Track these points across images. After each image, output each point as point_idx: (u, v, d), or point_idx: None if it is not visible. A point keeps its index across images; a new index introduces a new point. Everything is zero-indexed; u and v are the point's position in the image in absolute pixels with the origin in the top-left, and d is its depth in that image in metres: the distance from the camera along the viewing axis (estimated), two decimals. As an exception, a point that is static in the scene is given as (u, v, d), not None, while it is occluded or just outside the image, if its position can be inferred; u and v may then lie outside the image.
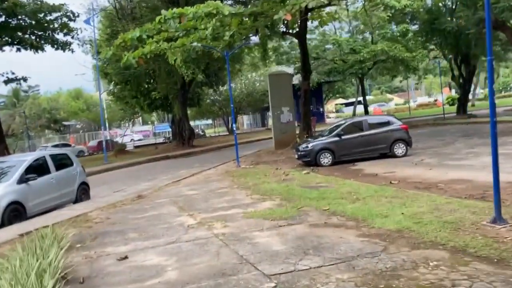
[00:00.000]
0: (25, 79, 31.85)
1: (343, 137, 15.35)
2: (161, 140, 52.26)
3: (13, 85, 64.75)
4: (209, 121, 73.23)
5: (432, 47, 34.92)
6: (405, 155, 15.44)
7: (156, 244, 6.50)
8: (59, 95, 78.82)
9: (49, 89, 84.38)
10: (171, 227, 7.57)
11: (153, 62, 29.74)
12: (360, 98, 72.11)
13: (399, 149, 15.46)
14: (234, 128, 16.27)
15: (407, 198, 8.03)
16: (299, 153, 15.72)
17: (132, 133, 60.81)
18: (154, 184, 14.05)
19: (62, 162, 11.62)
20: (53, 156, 11.27)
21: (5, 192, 9.35)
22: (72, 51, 32.64)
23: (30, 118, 65.80)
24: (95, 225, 8.30)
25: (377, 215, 6.95)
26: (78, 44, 33.07)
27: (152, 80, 36.80)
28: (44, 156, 11.02)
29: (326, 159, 15.26)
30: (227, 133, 52.25)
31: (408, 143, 15.60)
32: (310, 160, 15.32)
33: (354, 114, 49.07)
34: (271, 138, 34.08)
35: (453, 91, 77.24)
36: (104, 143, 28.56)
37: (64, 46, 31.50)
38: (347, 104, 74.57)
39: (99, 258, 6.06)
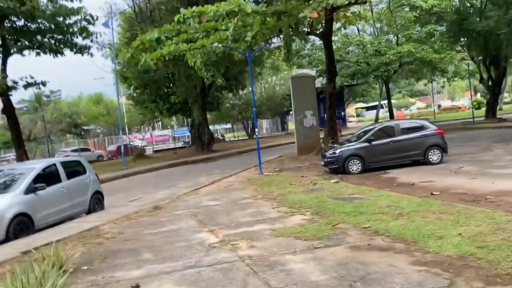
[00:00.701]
0: (44, 83, 31.50)
1: (373, 142, 14.30)
2: (180, 144, 51.75)
3: (35, 90, 65.31)
4: (228, 125, 72.61)
5: (459, 48, 33.54)
6: (440, 162, 14.31)
7: (173, 269, 5.62)
8: (80, 99, 79.29)
9: (70, 94, 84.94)
10: (190, 246, 6.69)
11: (172, 66, 29.12)
12: (383, 102, 70.62)
13: (434, 155, 14.33)
14: (257, 133, 15.39)
15: (459, 214, 6.99)
16: (325, 159, 14.73)
17: (138, 137, 60.39)
18: (172, 192, 13.23)
19: (74, 169, 10.89)
20: (64, 164, 10.54)
21: (11, 203, 8.62)
22: (91, 55, 32.22)
23: (51, 122, 66.23)
24: (106, 242, 7.48)
25: (429, 236, 5.95)
26: (97, 48, 32.71)
27: (171, 84, 36.28)
28: (54, 164, 10.29)
29: (355, 166, 14.23)
30: (247, 138, 51.44)
31: (444, 149, 14.46)
32: (338, 167, 14.31)
33: (377, 119, 47.69)
34: (292, 143, 33.23)
35: (479, 94, 75.00)
36: (122, 147, 27.96)
37: (83, 49, 31.14)
38: (368, 108, 73.05)
39: (106, 286, 5.21)
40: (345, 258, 5.43)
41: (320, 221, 7.36)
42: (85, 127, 66.39)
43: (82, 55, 30.58)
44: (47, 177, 9.75)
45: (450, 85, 36.44)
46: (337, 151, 14.48)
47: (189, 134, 53.68)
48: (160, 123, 74.84)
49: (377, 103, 72.78)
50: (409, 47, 26.61)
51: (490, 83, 33.85)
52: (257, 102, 50.09)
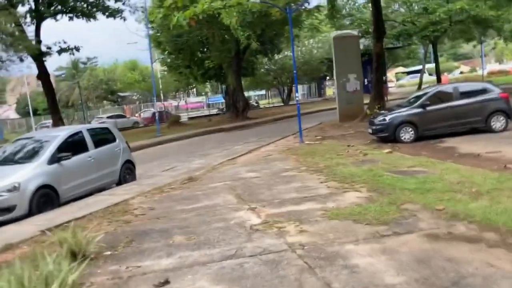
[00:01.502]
0: (77, 49, 31.01)
1: (428, 108, 12.85)
2: (214, 111, 50.98)
3: (72, 57, 65.65)
4: (262, 92, 71.12)
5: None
6: (504, 129, 12.77)
7: (210, 259, 4.67)
8: (116, 66, 79.60)
9: (107, 61, 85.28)
10: (229, 227, 5.73)
11: (206, 28, 27.88)
12: (429, 65, 67.00)
13: (497, 122, 12.78)
14: (298, 98, 14.17)
15: (556, 195, 5.71)
16: (373, 127, 13.42)
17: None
18: (208, 161, 12.33)
19: (102, 137, 10.09)
20: (91, 131, 9.72)
21: (34, 174, 7.90)
22: (124, 19, 31.45)
23: (88, 89, 66.75)
24: (135, 220, 6.63)
25: (528, 224, 4.74)
26: (130, 11, 31.72)
27: (205, 49, 35.13)
28: (81, 131, 9.46)
29: (407, 134, 12.87)
30: (282, 104, 50.04)
31: (509, 115, 12.88)
32: (388, 136, 12.99)
33: (421, 83, 45.17)
34: (331, 109, 31.70)
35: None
36: (157, 114, 27.31)
37: (115, 13, 30.35)
38: (409, 73, 69.79)
39: (129, 281, 4.32)
40: (423, 252, 4.31)
41: (381, 200, 6.22)
42: (120, 94, 66.55)
43: (114, 18, 29.82)
44: (73, 146, 8.97)
45: (506, 45, 33.47)
46: (387, 118, 13.12)
47: (223, 101, 52.80)
48: (195, 90, 74.28)
49: (417, 67, 69.36)
50: (462, 4, 24.26)
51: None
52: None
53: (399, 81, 68.90)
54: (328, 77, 54.22)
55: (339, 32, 21.47)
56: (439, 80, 29.59)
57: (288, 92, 52.53)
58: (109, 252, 5.18)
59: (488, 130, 12.79)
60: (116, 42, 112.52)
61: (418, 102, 13.04)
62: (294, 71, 13.88)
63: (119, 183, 10.14)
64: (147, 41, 30.55)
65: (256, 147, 14.16)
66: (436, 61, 30.85)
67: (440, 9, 25.04)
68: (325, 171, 8.82)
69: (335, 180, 7.85)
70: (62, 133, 9.14)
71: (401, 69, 73.37)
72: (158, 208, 7.22)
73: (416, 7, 27.39)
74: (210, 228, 5.77)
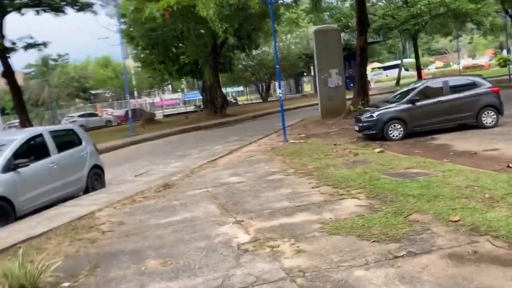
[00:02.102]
0: (45, 44, 29.47)
1: (417, 103, 12.23)
2: (191, 108, 49.82)
3: (41, 53, 63.31)
4: (240, 88, 70.12)
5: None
6: (495, 125, 12.27)
7: (191, 293, 3.82)
8: (88, 63, 77.25)
9: (79, 58, 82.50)
10: (212, 248, 4.87)
11: (181, 21, 26.84)
12: (405, 60, 67.07)
13: (488, 117, 12.28)
14: (281, 94, 13.33)
15: None
16: (360, 124, 12.73)
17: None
18: (185, 164, 11.42)
19: (66, 140, 9.07)
20: (54, 133, 8.65)
21: (-16, 185, 6.87)
22: (95, 13, 30.06)
23: (58, 87, 64.59)
24: (101, 238, 5.71)
25: None
26: (101, 5, 30.30)
27: (180, 44, 34.00)
28: (41, 134, 8.39)
29: (396, 131, 12.23)
30: (261, 101, 49.26)
31: (499, 110, 12.39)
32: (376, 133, 12.33)
33: (399, 79, 45.06)
34: (309, 105, 31.11)
35: (505, 51, 71.06)
36: (130, 112, 26.11)
37: (85, 7, 28.94)
38: (385, 68, 69.96)
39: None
40: (451, 280, 3.56)
41: (385, 210, 5.47)
42: (93, 91, 64.56)
43: (85, 12, 28.43)
44: (32, 151, 7.96)
45: (486, 39, 33.38)
46: (375, 114, 12.45)
47: (200, 97, 51.63)
48: (170, 86, 72.80)
49: (393, 62, 69.52)
50: (442, -3, 23.92)
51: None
52: (271, 63, 47.52)
53: (376, 76, 68.91)
54: (305, 73, 53.72)
55: (320, 26, 20.75)
56: (419, 75, 29.27)
57: (266, 88, 51.80)
58: (67, 284, 4.27)
59: (478, 126, 12.27)
60: (89, 38, 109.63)
61: (407, 98, 12.40)
62: (277, 66, 13.06)
63: (87, 191, 9.14)
64: (119, 36, 29.21)
65: (238, 147, 13.30)
66: (416, 55, 30.57)
67: (420, 2, 24.63)
68: (315, 174, 8.04)
69: (328, 185, 7.08)
70: (19, 136, 8.06)
71: (376, 64, 73.52)
72: (128, 223, 6.30)
73: (396, 0, 26.94)
74: (189, 249, 4.90)
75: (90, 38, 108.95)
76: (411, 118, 12.22)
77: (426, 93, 12.43)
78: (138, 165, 13.35)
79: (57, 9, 28.72)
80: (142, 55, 34.97)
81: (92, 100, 68.14)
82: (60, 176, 8.35)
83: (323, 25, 21.09)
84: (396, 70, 53.57)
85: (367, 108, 13.72)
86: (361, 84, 17.34)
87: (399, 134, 12.22)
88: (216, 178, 8.81)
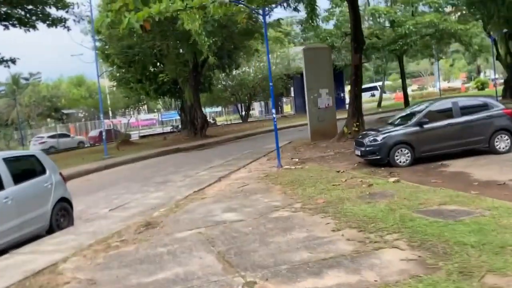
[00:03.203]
0: (13, 61, 27.68)
1: (425, 126, 11.13)
2: (168, 129, 48.07)
3: (11, 71, 60.82)
4: (218, 109, 68.74)
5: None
6: (509, 150, 11.24)
7: None
8: (60, 82, 74.89)
9: (51, 77, 79.89)
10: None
11: (160, 39, 25.53)
12: (378, 83, 67.17)
13: (502, 142, 11.24)
14: (274, 114, 12.02)
15: None
16: (363, 148, 11.51)
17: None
18: (169, 194, 9.94)
19: (26, 169, 7.50)
20: (10, 161, 7.07)
21: None
22: (68, 29, 28.51)
23: (29, 106, 62.13)
24: (63, 308, 4.19)
25: None
26: (74, 20, 28.77)
27: (158, 63, 32.60)
28: (-8, 162, 6.85)
29: (403, 156, 11.05)
30: (240, 121, 48.00)
31: (513, 134, 11.39)
32: (381, 158, 11.12)
33: (380, 101, 44.65)
34: (292, 126, 29.98)
35: (482, 74, 72.19)
36: (104, 133, 24.37)
37: (57, 22, 27.41)
38: (364, 90, 70.00)
39: None
40: None
41: (445, 268, 4.15)
42: (65, 111, 62.15)
43: (56, 27, 26.84)
44: (-20, 183, 6.37)
45: (475, 60, 33.14)
46: (380, 138, 11.26)
47: (178, 117, 50.01)
48: (145, 106, 70.94)
49: (371, 84, 69.57)
50: (431, 17, 23.38)
51: (508, 60, 31.03)
52: (251, 83, 46.57)
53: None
54: (283, 98, 53.15)
55: (309, 44, 19.75)
56: (406, 98, 28.61)
57: (246, 109, 50.69)
58: None
59: (491, 151, 11.22)
60: (63, 57, 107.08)
61: (415, 120, 11.27)
62: (270, 84, 11.77)
63: (51, 230, 7.54)
64: (94, 54, 27.63)
65: (226, 173, 11.88)
66: (402, 77, 29.94)
67: (408, 22, 24.04)
68: (329, 210, 6.70)
69: (352, 227, 5.74)
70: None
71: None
72: (101, 282, 4.79)
73: (381, 20, 26.33)
74: (189, 333, 3.44)
75: (65, 57, 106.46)
76: (419, 142, 11.08)
77: (434, 115, 11.34)
78: (113, 193, 11.76)
79: (27, 24, 27.13)
80: (117, 74, 33.35)
81: (65, 120, 65.63)
82: (17, 213, 6.76)
83: (313, 44, 20.09)
84: (369, 93, 53.40)
85: (369, 131, 12.54)
86: (355, 105, 16.25)
87: (406, 160, 11.05)
88: (208, 214, 7.35)
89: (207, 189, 9.94)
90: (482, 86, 57.82)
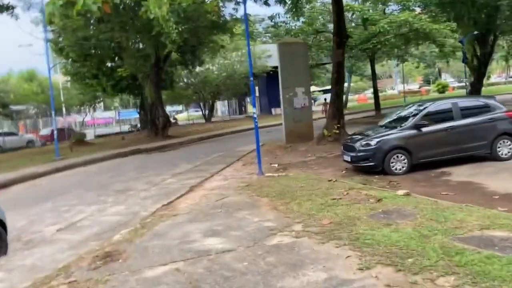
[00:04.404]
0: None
1: (423, 129, 9.99)
2: (126, 128, 45.54)
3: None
4: (179, 107, 66.42)
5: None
6: (511, 157, 10.27)
7: None
8: (10, 77, 70.33)
9: (1, 71, 74.69)
10: None
11: (119, 30, 23.48)
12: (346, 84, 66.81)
13: (504, 148, 10.27)
14: (254, 113, 10.51)
15: None
16: (353, 153, 10.23)
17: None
18: (131, 208, 8.25)
19: None
20: None
21: None
22: (16, 18, 25.85)
23: (-27, 102, 57.81)
24: None
25: None
26: (23, 8, 26.20)
27: (116, 58, 30.36)
28: None
29: (399, 163, 9.85)
30: (203, 121, 46.18)
31: (516, 139, 10.43)
32: (375, 165, 9.88)
33: (346, 102, 44.02)
34: (260, 127, 28.59)
35: (443, 77, 73.46)
36: (56, 132, 22.03)
37: (3, 9, 24.74)
38: (325, 91, 69.74)
39: None
40: None
41: None
42: (13, 107, 58.11)
43: (1, 13, 24.19)
44: None
45: (447, 62, 32.85)
46: (373, 142, 10.02)
47: (137, 116, 47.54)
48: (102, 103, 67.68)
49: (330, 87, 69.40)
50: (406, 15, 22.60)
51: (475, 63, 30.90)
52: (215, 81, 44.78)
53: (315, 100, 68.18)
54: (247, 98, 51.77)
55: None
56: (377, 99, 27.88)
57: (210, 108, 48.94)
58: None
59: (493, 157, 10.21)
60: (14, 50, 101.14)
61: (411, 122, 10.10)
62: (251, 78, 10.24)
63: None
64: (45, 45, 25.14)
65: (198, 182, 10.28)
66: (373, 77, 29.18)
67: (383, 20, 23.16)
68: (342, 235, 5.27)
69: (385, 263, 4.32)
70: None
71: (314, 88, 73.03)
72: None
73: (353, 18, 25.38)
74: None
75: (15, 50, 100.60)
76: (416, 147, 9.92)
77: (433, 117, 10.22)
78: (63, 204, 9.89)
79: (-32, 10, 24.36)
80: (71, 68, 30.83)
81: (14, 117, 61.47)
82: None
83: (289, 38, 18.76)
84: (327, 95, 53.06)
85: (356, 135, 11.26)
86: (336, 105, 15.00)
87: (403, 167, 9.86)
88: (185, 240, 5.76)
89: (178, 202, 8.31)
90: (443, 89, 58.69)
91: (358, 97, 68.50)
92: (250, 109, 52.77)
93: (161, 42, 21.47)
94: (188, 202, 8.19)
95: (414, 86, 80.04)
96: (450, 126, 10.04)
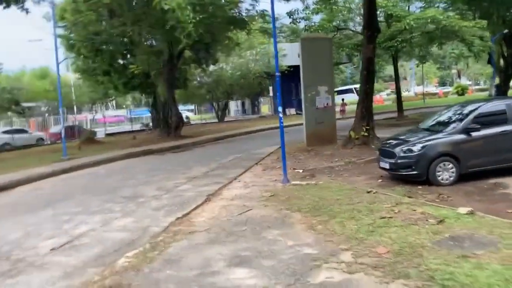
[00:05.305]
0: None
1: (474, 134, 8.72)
2: (138, 127, 44.62)
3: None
4: (191, 107, 65.39)
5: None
6: None
7: None
8: (23, 74, 70.12)
9: (15, 69, 74.46)
10: None
11: (131, 24, 22.45)
12: (355, 86, 65.44)
13: None
14: (280, 114, 9.33)
15: None
16: (392, 160, 8.99)
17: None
18: (140, 222, 7.11)
19: None
20: None
21: None
22: (27, 12, 25.01)
23: (-15, 98, 57.58)
24: None
25: None
26: (34, 1, 25.27)
27: (128, 55, 29.40)
28: None
29: (446, 172, 8.59)
30: (216, 121, 45.08)
31: None
32: (418, 174, 8.63)
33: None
34: (273, 128, 27.41)
35: (463, 79, 71.52)
36: (63, 130, 21.05)
37: (12, 2, 23.91)
38: (339, 92, 68.40)
39: None
40: None
41: None
42: (25, 104, 57.63)
43: (9, 6, 23.33)
44: None
45: (477, 61, 31.29)
46: (416, 148, 8.77)
47: (148, 115, 46.63)
48: (114, 102, 67.06)
49: (345, 87, 67.74)
50: (434, 12, 21.23)
51: (502, 64, 29.36)
52: (229, 80, 43.63)
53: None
54: (260, 98, 50.55)
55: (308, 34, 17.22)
56: (400, 101, 26.52)
57: (223, 107, 47.82)
58: None
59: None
60: (30, 49, 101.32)
61: (460, 126, 8.83)
62: (277, 73, 9.08)
63: None
64: (55, 39, 24.23)
65: (216, 189, 9.12)
66: (396, 77, 27.76)
67: (409, 17, 21.81)
68: (407, 271, 4.08)
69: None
70: None
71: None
72: None
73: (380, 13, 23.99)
74: None
75: (29, 47, 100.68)
76: (466, 154, 8.65)
77: (484, 120, 8.92)
78: (64, 212, 8.81)
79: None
80: (81, 63, 29.91)
81: (27, 114, 61.09)
82: None
83: (312, 34, 17.56)
84: (347, 95, 51.68)
85: (393, 139, 9.99)
86: (365, 105, 13.73)
87: (450, 176, 8.60)
88: (206, 271, 4.60)
89: (194, 214, 7.17)
90: (463, 91, 56.93)
91: (374, 98, 66.77)
92: (264, 109, 51.50)
93: (175, 37, 20.43)
94: (206, 215, 7.04)
95: (430, 88, 78.20)
96: (505, 131, 8.76)
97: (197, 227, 6.31)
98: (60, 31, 26.89)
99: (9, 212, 9.39)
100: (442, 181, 8.55)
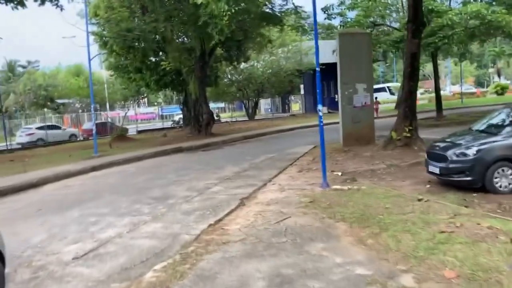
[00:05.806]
0: (-4, 40, 24.36)
1: (539, 136, 7.83)
2: (168, 124, 44.64)
3: (8, 58, 57.71)
4: (221, 104, 65.19)
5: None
6: None
7: None
8: (58, 71, 71.59)
9: (50, 66, 76.21)
10: None
11: (164, 21, 22.17)
12: (388, 84, 63.68)
13: None
14: (320, 111, 8.63)
15: None
16: (444, 164, 8.19)
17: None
18: (169, 228, 6.61)
19: None
20: None
21: None
22: (61, 8, 25.12)
23: (24, 94, 59.04)
24: None
25: None
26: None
27: (160, 52, 29.26)
28: None
29: (505, 179, 7.74)
30: (246, 119, 44.57)
31: None
32: (473, 180, 7.80)
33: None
34: (305, 127, 26.64)
35: (502, 78, 68.63)
36: (94, 126, 20.97)
37: (47, -1, 24.03)
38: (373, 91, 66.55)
39: None
40: None
41: None
42: (59, 101, 58.72)
43: (44, 4, 23.42)
44: None
45: (508, 62, 29.75)
46: (471, 151, 7.93)
47: (179, 112, 46.57)
48: (146, 99, 67.51)
49: (379, 85, 65.92)
50: (477, 7, 20.01)
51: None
52: (260, 78, 43.04)
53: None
54: (291, 96, 49.72)
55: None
56: (439, 102, 25.28)
57: (254, 105, 47.26)
58: None
59: None
60: (67, 47, 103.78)
61: (522, 127, 7.96)
62: (317, 68, 8.41)
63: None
64: (88, 36, 24.20)
65: (250, 192, 8.54)
66: (435, 76, 26.51)
67: (451, 11, 20.65)
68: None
69: None
70: None
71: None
72: None
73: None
74: None
75: (67, 47, 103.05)
76: (528, 159, 7.78)
77: (549, 120, 8.04)
78: (91, 213, 8.42)
79: (12, 1, 23.77)
80: (114, 61, 29.91)
81: (61, 111, 62.31)
82: None
83: (351, 29, 16.76)
84: (380, 94, 50.19)
85: (444, 141, 9.15)
86: (409, 104, 12.85)
87: (510, 183, 7.74)
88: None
89: (228, 220, 6.61)
90: (502, 90, 54.44)
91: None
92: (295, 107, 50.65)
93: (207, 33, 20.01)
94: (240, 221, 6.46)
95: (466, 87, 75.41)
96: None
97: (231, 236, 5.73)
98: (94, 28, 26.97)
99: (35, 212, 9.10)
100: (500, 189, 7.70)
